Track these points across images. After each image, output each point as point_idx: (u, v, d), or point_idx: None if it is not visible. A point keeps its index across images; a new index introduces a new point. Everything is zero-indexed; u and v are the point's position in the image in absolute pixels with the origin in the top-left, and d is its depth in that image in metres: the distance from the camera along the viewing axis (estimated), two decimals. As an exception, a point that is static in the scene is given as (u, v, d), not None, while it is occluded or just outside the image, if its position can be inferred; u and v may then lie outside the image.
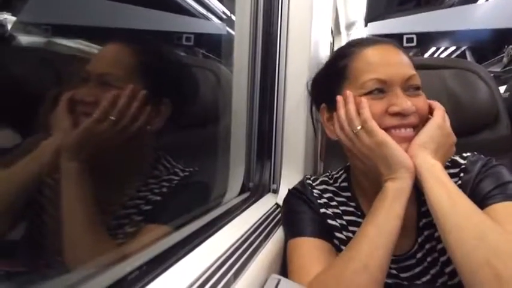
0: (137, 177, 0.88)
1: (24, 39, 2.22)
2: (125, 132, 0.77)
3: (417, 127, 0.79)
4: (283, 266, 0.83)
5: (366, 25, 2.72)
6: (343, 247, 0.84)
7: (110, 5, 1.92)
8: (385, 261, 0.70)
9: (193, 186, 0.91)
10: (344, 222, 0.87)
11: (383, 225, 0.72)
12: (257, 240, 0.78)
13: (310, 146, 1.21)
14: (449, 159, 0.84)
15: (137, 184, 0.87)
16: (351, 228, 0.86)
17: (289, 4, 1.15)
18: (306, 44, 1.14)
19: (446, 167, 0.81)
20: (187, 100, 0.95)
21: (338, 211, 0.88)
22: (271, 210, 0.99)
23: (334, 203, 0.89)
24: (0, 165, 0.76)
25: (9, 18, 2.22)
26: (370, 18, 2.73)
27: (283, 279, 0.70)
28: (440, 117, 0.79)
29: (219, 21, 2.51)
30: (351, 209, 0.88)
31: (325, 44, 1.36)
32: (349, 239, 0.83)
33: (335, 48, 0.97)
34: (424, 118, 0.80)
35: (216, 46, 1.88)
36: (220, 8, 2.57)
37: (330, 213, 0.88)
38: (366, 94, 0.79)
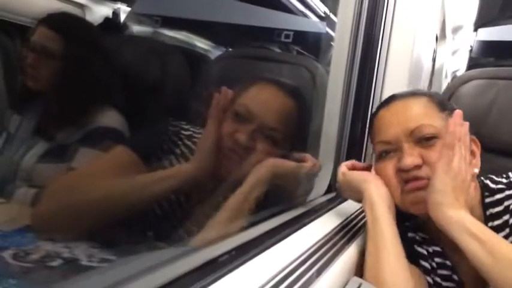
0: None
1: (139, 29, 2.40)
2: None
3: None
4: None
5: (475, 30, 2.56)
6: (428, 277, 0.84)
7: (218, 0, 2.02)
8: (391, 266, 0.72)
9: None
10: (430, 250, 0.86)
11: (374, 235, 0.77)
12: (341, 241, 0.79)
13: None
14: (507, 181, 0.82)
15: None
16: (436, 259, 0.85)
17: (394, 9, 1.14)
18: (408, 51, 1.11)
19: (502, 190, 0.80)
20: None
21: (426, 236, 0.87)
22: (356, 213, 0.99)
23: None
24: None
25: (122, 8, 2.41)
26: (480, 23, 2.55)
27: (364, 283, 0.71)
28: (444, 164, 0.74)
29: (318, 20, 2.51)
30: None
31: (428, 51, 1.31)
32: (432, 268, 0.84)
33: (438, 53, 0.96)
34: None
35: (313, 44, 1.89)
36: (320, 7, 2.56)
37: (418, 238, 0.88)
38: (378, 157, 0.85)
